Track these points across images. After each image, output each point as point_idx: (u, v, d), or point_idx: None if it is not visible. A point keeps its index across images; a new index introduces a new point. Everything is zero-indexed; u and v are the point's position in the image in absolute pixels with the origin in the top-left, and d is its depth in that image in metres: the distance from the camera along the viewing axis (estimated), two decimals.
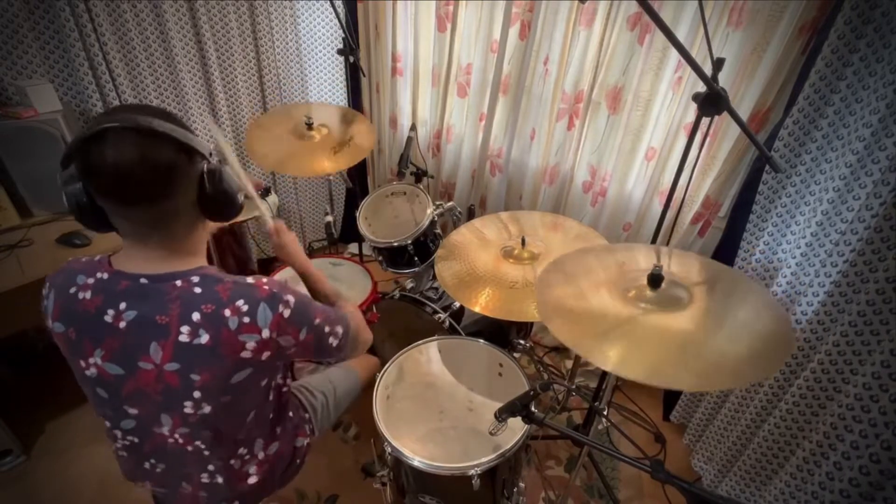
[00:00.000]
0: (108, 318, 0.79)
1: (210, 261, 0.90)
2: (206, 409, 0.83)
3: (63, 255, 1.63)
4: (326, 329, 0.92)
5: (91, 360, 0.81)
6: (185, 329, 0.77)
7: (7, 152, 1.64)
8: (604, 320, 0.98)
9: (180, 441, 0.88)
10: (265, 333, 0.80)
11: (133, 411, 0.85)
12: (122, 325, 0.78)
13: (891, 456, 1.01)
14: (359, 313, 1.08)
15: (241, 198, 0.88)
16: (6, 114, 1.65)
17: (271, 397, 0.95)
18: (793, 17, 1.37)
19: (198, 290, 0.79)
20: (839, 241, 1.21)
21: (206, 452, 0.90)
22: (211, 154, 0.81)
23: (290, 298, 0.84)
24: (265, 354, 0.82)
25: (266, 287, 0.82)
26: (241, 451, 0.95)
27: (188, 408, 0.83)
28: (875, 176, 1.13)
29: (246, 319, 0.79)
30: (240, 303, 0.79)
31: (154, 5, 1.94)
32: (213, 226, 1.01)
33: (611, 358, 0.90)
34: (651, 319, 0.97)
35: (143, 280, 0.79)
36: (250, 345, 0.80)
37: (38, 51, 1.76)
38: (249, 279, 0.83)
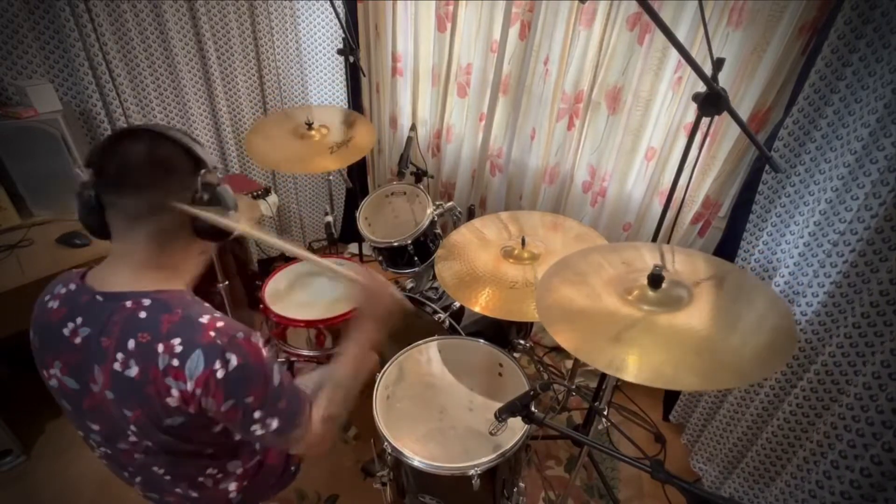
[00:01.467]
0: (66, 332, 0.76)
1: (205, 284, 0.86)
2: (147, 443, 0.78)
3: (63, 255, 1.63)
4: (256, 415, 0.76)
5: (52, 371, 0.79)
6: (119, 356, 0.71)
7: (7, 152, 1.64)
8: (611, 325, 0.96)
9: (144, 461, 0.84)
10: (189, 386, 0.70)
11: (95, 427, 0.82)
12: (78, 340, 0.75)
13: (892, 457, 1.01)
14: (325, 427, 0.87)
15: (234, 216, 0.82)
16: (6, 114, 1.65)
17: (238, 437, 0.87)
18: (793, 17, 1.37)
19: (142, 314, 0.73)
20: (838, 242, 1.21)
21: (167, 477, 0.86)
22: (215, 168, 0.82)
23: (233, 359, 0.71)
24: (190, 408, 0.73)
25: (212, 334, 0.71)
26: (211, 471, 0.89)
27: (132, 437, 0.78)
28: (873, 176, 1.13)
29: (175, 362, 0.70)
30: (175, 341, 0.70)
31: (154, 5, 1.94)
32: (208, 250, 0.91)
33: (629, 366, 0.86)
34: (658, 321, 0.95)
35: (98, 297, 0.76)
36: (175, 392, 0.71)
37: (38, 51, 1.76)
38: (204, 317, 0.73)
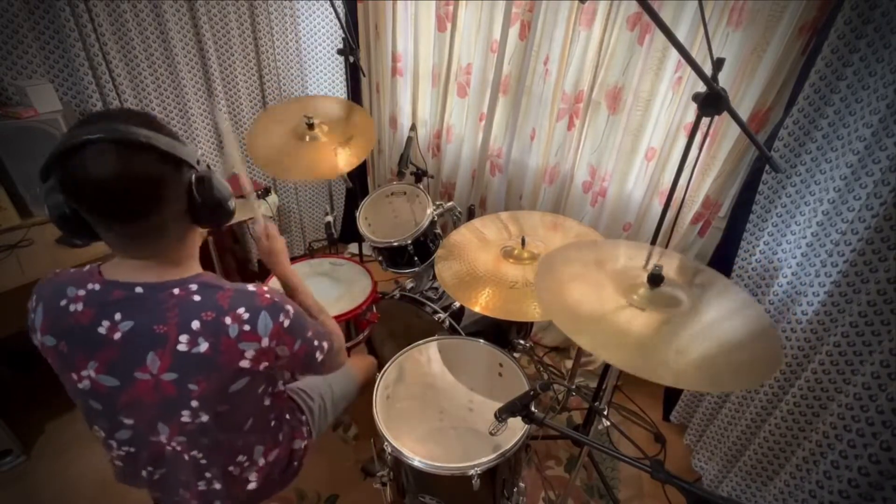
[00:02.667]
0: (102, 330, 0.77)
1: (208, 263, 0.90)
2: (204, 418, 0.82)
3: (63, 255, 1.63)
4: (316, 343, 0.92)
5: (84, 373, 0.79)
6: (183, 338, 0.76)
7: (7, 152, 1.64)
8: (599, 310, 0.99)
9: (178, 449, 0.87)
10: (265, 342, 0.80)
11: (129, 421, 0.84)
12: (118, 336, 0.77)
13: (890, 456, 1.01)
14: (340, 333, 1.07)
15: (232, 204, 0.84)
16: (6, 114, 1.65)
17: (268, 402, 0.94)
18: (793, 17, 1.37)
19: (197, 297, 0.78)
20: (839, 241, 1.21)
21: (204, 461, 0.89)
22: (198, 161, 0.78)
23: (290, 309, 0.84)
24: (262, 364, 0.82)
25: (268, 296, 0.82)
26: (241, 458, 0.95)
27: (185, 417, 0.81)
28: (875, 176, 1.13)
29: (247, 328, 0.78)
30: (241, 310, 0.78)
31: (154, 5, 1.94)
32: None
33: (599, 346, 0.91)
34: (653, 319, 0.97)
35: (138, 289, 0.77)
36: (249, 353, 0.79)
37: (38, 51, 1.76)
38: (251, 287, 0.83)
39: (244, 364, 0.79)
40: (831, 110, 1.27)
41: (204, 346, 0.76)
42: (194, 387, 0.78)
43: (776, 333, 0.97)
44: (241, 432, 0.91)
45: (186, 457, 0.88)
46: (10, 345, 1.45)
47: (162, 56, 2.05)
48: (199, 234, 0.88)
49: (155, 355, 0.77)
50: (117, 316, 0.77)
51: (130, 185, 0.68)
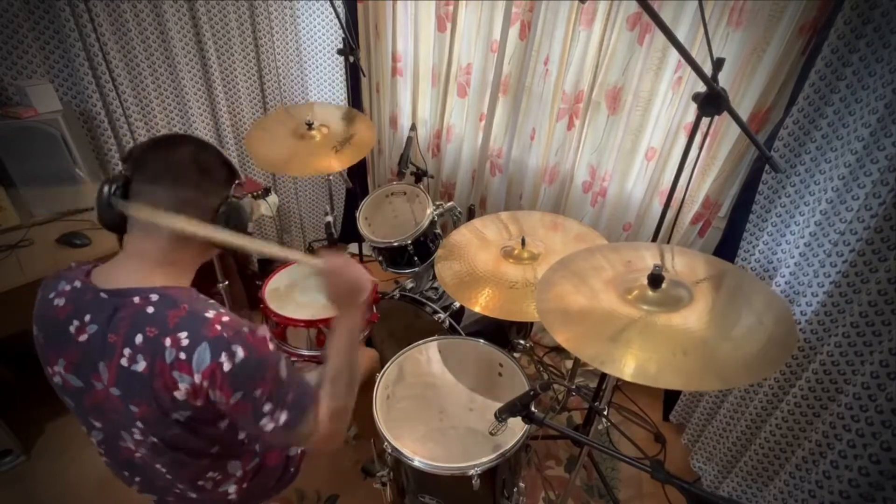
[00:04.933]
0: (72, 329, 0.76)
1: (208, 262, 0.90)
2: (153, 439, 0.78)
3: (63, 255, 1.63)
4: (266, 408, 0.76)
5: (56, 369, 0.80)
6: (126, 351, 0.72)
7: (7, 152, 1.63)
8: (610, 324, 0.97)
9: (145, 458, 0.84)
10: (196, 378, 0.71)
11: (98, 424, 0.83)
12: (83, 337, 0.76)
13: (890, 456, 1.01)
14: (334, 422, 0.85)
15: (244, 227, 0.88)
16: (6, 114, 1.65)
17: (242, 435, 0.88)
18: (793, 17, 1.37)
19: (150, 309, 0.73)
20: (838, 242, 1.21)
21: (169, 476, 0.86)
22: (241, 183, 0.89)
23: (239, 351, 0.72)
24: (198, 401, 0.73)
25: (218, 327, 0.72)
26: (211, 474, 0.90)
27: (137, 434, 0.78)
28: (874, 176, 1.13)
29: (182, 356, 0.70)
30: (182, 335, 0.71)
31: (154, 5, 1.94)
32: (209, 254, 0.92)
33: (627, 366, 0.87)
34: (657, 321, 0.96)
35: (102, 294, 0.76)
36: (182, 386, 0.71)
37: (38, 51, 1.76)
38: (209, 312, 0.74)
39: (178, 395, 0.71)
40: (831, 110, 1.27)
41: (141, 365, 0.71)
42: (135, 408, 0.74)
43: (789, 312, 0.95)
44: (205, 454, 0.85)
45: (156, 465, 0.85)
46: (10, 345, 1.45)
47: (162, 56, 2.05)
48: (206, 253, 0.89)
49: (104, 365, 0.74)
50: (87, 317, 0.76)
51: (186, 158, 0.81)
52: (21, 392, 1.95)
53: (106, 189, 0.81)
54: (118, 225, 0.82)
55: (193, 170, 0.81)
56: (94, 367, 0.75)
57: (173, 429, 0.76)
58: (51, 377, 0.82)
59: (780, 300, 0.97)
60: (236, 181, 0.88)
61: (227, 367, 0.71)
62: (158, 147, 0.81)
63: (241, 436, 0.90)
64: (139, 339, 0.71)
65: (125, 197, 0.80)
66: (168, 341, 0.71)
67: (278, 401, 0.77)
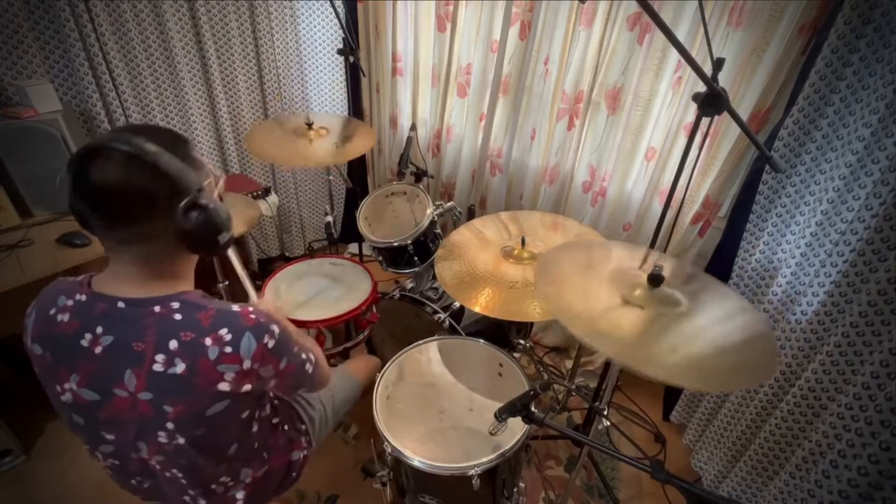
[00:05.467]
0: (84, 343, 0.76)
1: (209, 261, 0.89)
2: (180, 440, 0.80)
3: (63, 255, 1.64)
4: (302, 356, 0.91)
5: (66, 386, 0.79)
6: (160, 357, 0.74)
7: (7, 152, 1.64)
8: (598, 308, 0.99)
9: (158, 467, 0.86)
10: (246, 364, 0.77)
11: (110, 437, 0.83)
12: (98, 349, 0.76)
13: (889, 456, 1.01)
14: (319, 348, 1.06)
15: (225, 238, 0.84)
16: (6, 114, 1.65)
17: (256, 428, 0.92)
18: (793, 17, 1.37)
19: (178, 316, 0.77)
20: (839, 241, 1.21)
21: (184, 481, 0.88)
22: (200, 190, 0.77)
23: (276, 328, 0.82)
24: (244, 387, 0.80)
25: (252, 316, 0.80)
26: (224, 479, 0.93)
27: (162, 437, 0.80)
28: (875, 176, 1.13)
29: (228, 349, 0.76)
30: (223, 331, 0.76)
31: (154, 5, 1.94)
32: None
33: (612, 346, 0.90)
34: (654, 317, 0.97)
35: (120, 304, 0.77)
36: (229, 376, 0.77)
37: (38, 51, 1.76)
38: (235, 307, 0.81)
39: (223, 387, 0.77)
40: (831, 110, 1.27)
41: (180, 367, 0.75)
42: (169, 408, 0.77)
43: (772, 337, 0.97)
44: (223, 457, 0.89)
45: (168, 474, 0.87)
46: (10, 345, 1.45)
47: (162, 56, 2.05)
48: (190, 258, 0.86)
49: (132, 373, 0.75)
50: (99, 329, 0.76)
51: (124, 192, 0.71)
52: (21, 392, 1.95)
53: (70, 207, 0.75)
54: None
55: (132, 202, 0.72)
56: (116, 376, 0.76)
57: (202, 427, 0.80)
58: (58, 396, 0.81)
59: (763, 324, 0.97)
60: (185, 190, 0.75)
61: (270, 344, 0.80)
62: (87, 171, 0.70)
63: (258, 440, 0.95)
64: (174, 344, 0.75)
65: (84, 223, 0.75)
66: (209, 341, 0.75)
67: (303, 348, 0.92)
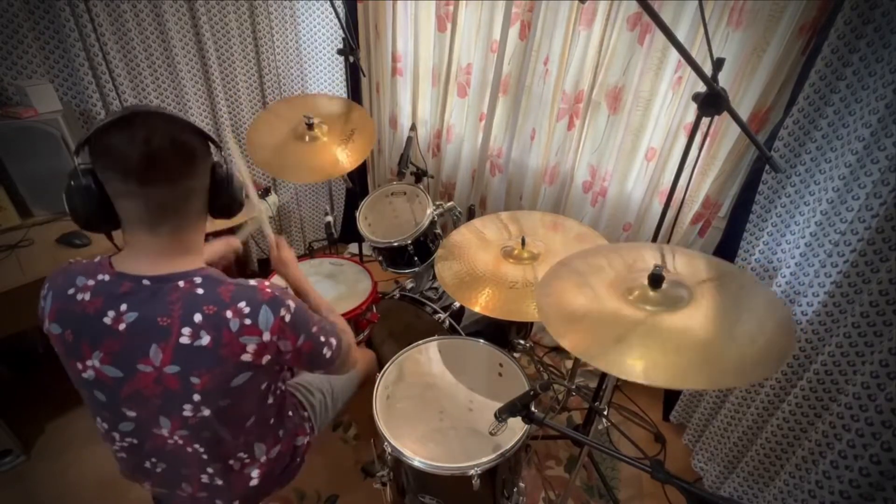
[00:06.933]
0: (107, 321, 0.78)
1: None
2: (206, 412, 0.83)
3: (63, 255, 1.63)
4: (322, 339, 0.93)
5: (89, 363, 0.81)
6: (186, 331, 0.77)
7: (7, 152, 1.64)
8: (615, 325, 0.96)
9: (180, 442, 0.88)
10: (266, 336, 0.81)
11: (131, 413, 0.85)
12: (122, 326, 0.78)
13: (891, 457, 1.01)
14: (350, 332, 1.09)
15: (243, 194, 0.92)
16: (6, 114, 1.65)
17: (271, 401, 0.95)
18: (793, 17, 1.37)
19: (200, 290, 0.80)
20: (839, 242, 1.21)
21: (205, 456, 0.90)
22: (219, 148, 0.86)
23: (292, 304, 0.86)
24: (265, 358, 0.83)
25: (269, 290, 0.83)
26: (241, 454, 0.95)
27: (187, 410, 0.82)
28: (874, 176, 1.13)
29: (247, 321, 0.79)
30: (242, 304, 0.80)
31: (154, 5, 1.94)
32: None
33: (635, 367, 0.86)
34: (661, 321, 0.95)
35: (145, 281, 0.79)
36: (251, 347, 0.80)
37: (38, 51, 1.76)
38: (252, 282, 0.84)
39: (246, 358, 0.81)
40: (831, 110, 1.27)
41: (206, 340, 0.78)
42: (196, 380, 0.79)
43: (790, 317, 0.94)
44: (242, 429, 0.91)
45: (189, 449, 0.89)
46: (10, 345, 1.45)
47: (162, 56, 2.05)
48: (204, 228, 0.90)
49: (158, 348, 0.78)
50: (123, 307, 0.78)
51: (174, 150, 0.75)
52: (21, 392, 1.95)
53: (77, 190, 0.77)
54: (106, 223, 0.81)
55: (180, 157, 0.77)
56: (141, 352, 0.78)
57: (227, 398, 0.83)
58: (79, 373, 0.82)
59: (782, 304, 0.96)
60: (214, 146, 0.85)
61: (287, 318, 0.84)
62: (132, 140, 0.71)
63: (273, 413, 0.98)
64: (198, 317, 0.78)
65: (101, 195, 0.77)
66: (230, 313, 0.79)
67: (324, 329, 0.94)
